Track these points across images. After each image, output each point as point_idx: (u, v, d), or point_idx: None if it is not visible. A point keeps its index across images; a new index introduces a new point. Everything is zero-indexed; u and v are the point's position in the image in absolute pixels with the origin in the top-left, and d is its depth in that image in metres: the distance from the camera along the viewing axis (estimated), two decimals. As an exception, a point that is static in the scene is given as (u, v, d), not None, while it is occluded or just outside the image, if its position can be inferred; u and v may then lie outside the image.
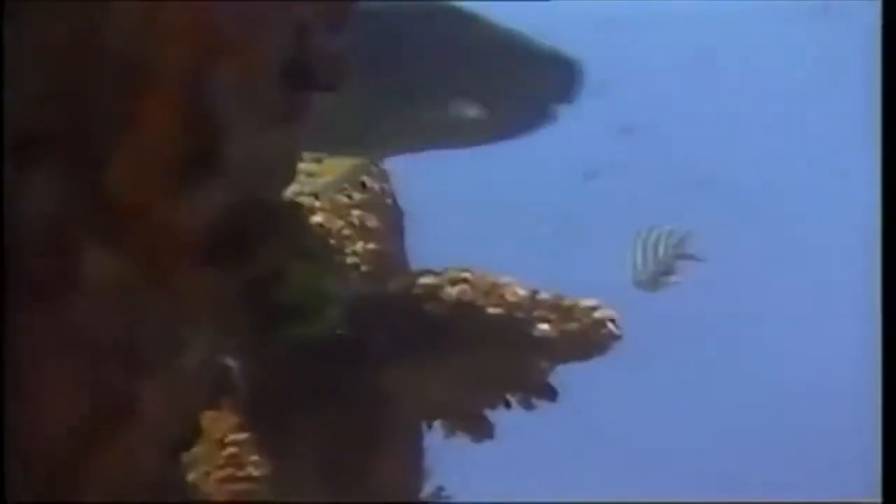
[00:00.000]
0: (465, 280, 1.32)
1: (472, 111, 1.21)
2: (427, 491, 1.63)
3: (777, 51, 6.64)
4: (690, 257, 2.86)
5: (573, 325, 1.33)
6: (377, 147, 1.28)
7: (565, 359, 1.36)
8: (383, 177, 1.52)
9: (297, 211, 0.86)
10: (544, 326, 1.32)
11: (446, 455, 1.54)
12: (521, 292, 1.33)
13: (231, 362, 1.11)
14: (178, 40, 0.63)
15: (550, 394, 1.37)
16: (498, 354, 1.34)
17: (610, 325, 1.33)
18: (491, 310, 1.32)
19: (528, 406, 1.37)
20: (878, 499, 1.09)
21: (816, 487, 3.62)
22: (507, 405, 1.38)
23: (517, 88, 1.24)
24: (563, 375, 1.36)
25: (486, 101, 1.22)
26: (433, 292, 1.32)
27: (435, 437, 1.49)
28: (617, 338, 1.33)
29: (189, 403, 0.73)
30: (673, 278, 2.85)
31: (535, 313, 1.33)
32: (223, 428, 1.32)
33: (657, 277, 2.83)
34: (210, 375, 0.89)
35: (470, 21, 1.20)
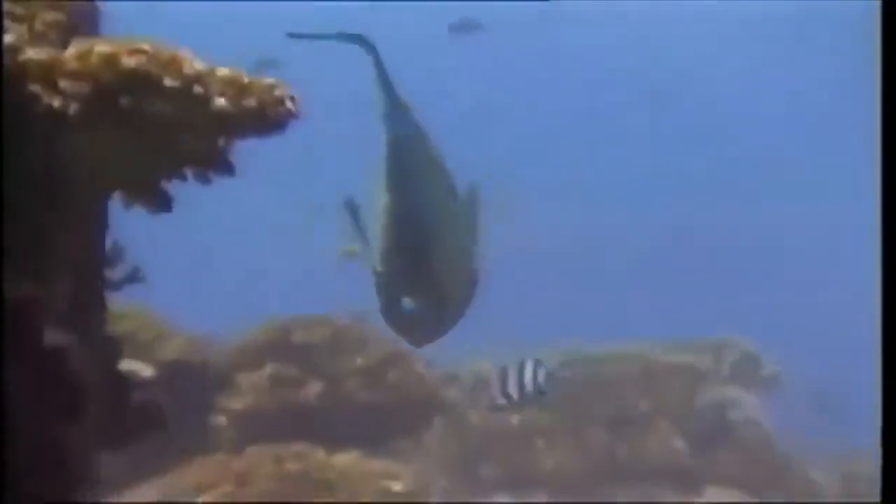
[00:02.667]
0: (142, 51, 1.31)
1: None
2: (121, 270, 1.65)
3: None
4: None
5: (251, 101, 1.34)
6: None
7: (242, 134, 1.37)
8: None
9: None
10: (221, 101, 1.32)
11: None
12: (199, 66, 1.32)
13: None
14: None
15: (227, 169, 1.39)
16: (174, 127, 1.34)
17: (288, 103, 1.35)
18: (168, 82, 1.31)
19: (205, 180, 1.39)
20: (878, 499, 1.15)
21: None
22: (184, 178, 1.39)
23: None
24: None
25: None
26: (109, 61, 1.31)
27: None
28: (294, 115, 1.35)
29: None
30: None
31: (213, 88, 1.33)
32: None
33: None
34: None
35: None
